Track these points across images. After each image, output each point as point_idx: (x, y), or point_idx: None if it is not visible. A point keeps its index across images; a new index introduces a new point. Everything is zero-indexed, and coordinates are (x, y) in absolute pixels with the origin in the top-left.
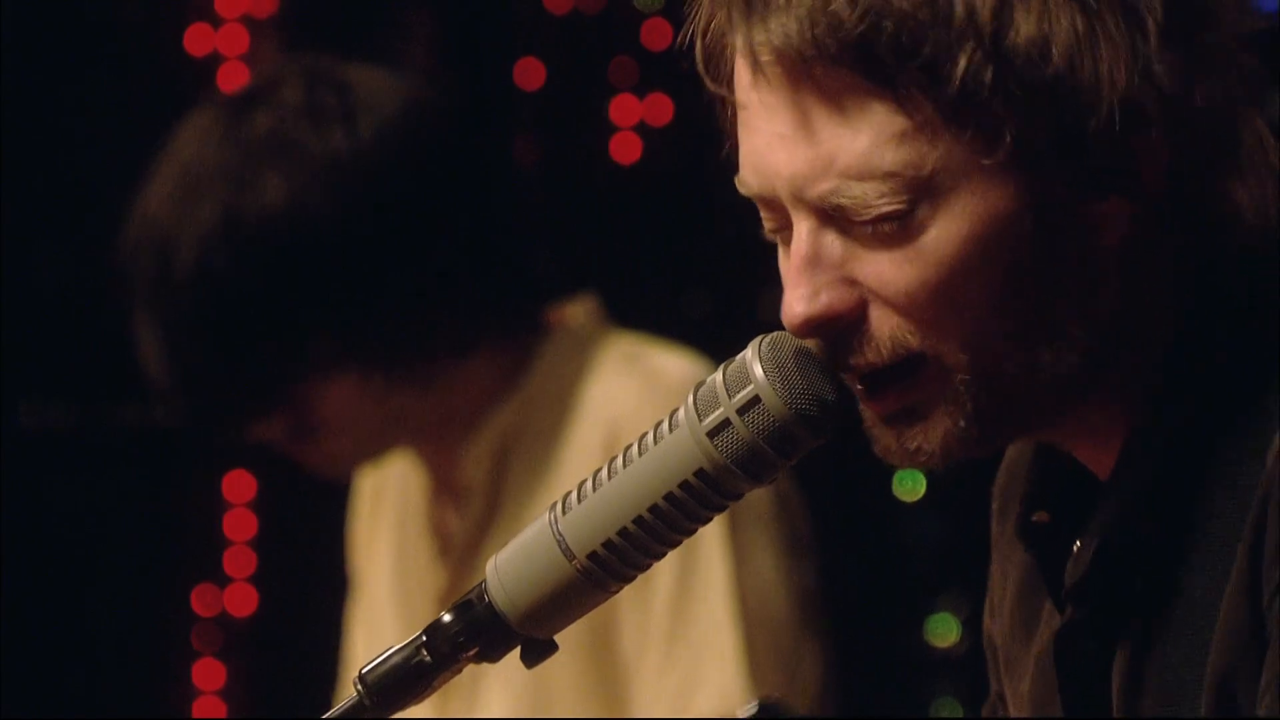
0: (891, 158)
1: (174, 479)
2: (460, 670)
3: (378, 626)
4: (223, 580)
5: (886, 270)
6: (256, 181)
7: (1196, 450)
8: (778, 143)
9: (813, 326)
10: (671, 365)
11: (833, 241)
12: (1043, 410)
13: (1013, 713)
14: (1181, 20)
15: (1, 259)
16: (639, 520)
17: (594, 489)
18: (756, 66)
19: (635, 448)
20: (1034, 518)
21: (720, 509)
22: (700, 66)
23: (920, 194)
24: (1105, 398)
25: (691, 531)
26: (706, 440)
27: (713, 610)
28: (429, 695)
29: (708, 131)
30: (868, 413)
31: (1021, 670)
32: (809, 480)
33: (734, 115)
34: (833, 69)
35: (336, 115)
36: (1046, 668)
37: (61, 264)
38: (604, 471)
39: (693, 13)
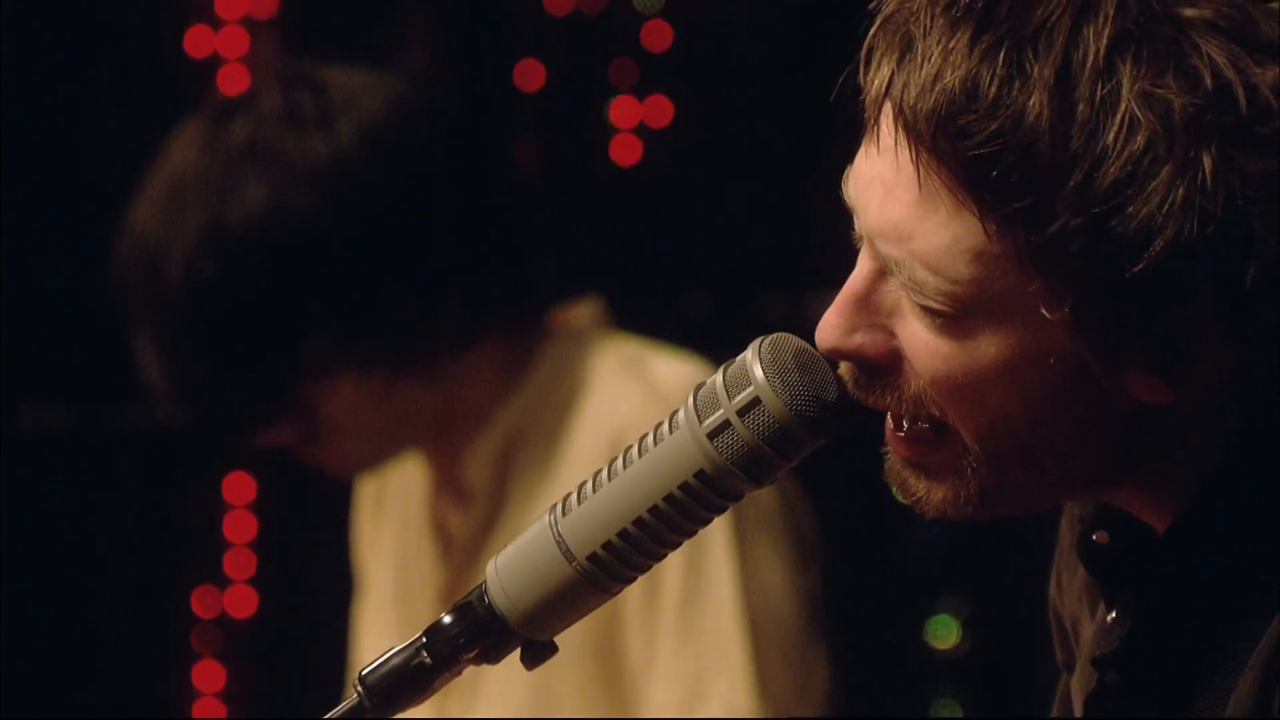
0: (962, 269)
1: (174, 481)
2: (460, 672)
3: (381, 627)
4: (223, 582)
5: (922, 350)
6: (239, 189)
7: (1244, 542)
8: (879, 184)
9: (839, 357)
10: (674, 370)
11: (889, 292)
12: (1050, 500)
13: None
14: None
15: (2, 260)
16: (639, 522)
17: (594, 490)
18: (876, 112)
19: (635, 449)
20: (1094, 536)
21: (720, 510)
22: (862, 49)
23: (974, 309)
24: (1150, 481)
25: (692, 533)
26: (707, 441)
27: (719, 616)
28: (429, 697)
29: (707, 133)
30: (889, 443)
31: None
32: (809, 482)
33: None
34: (943, 165)
35: (314, 118)
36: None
37: (62, 265)
38: (604, 473)
39: (880, 9)
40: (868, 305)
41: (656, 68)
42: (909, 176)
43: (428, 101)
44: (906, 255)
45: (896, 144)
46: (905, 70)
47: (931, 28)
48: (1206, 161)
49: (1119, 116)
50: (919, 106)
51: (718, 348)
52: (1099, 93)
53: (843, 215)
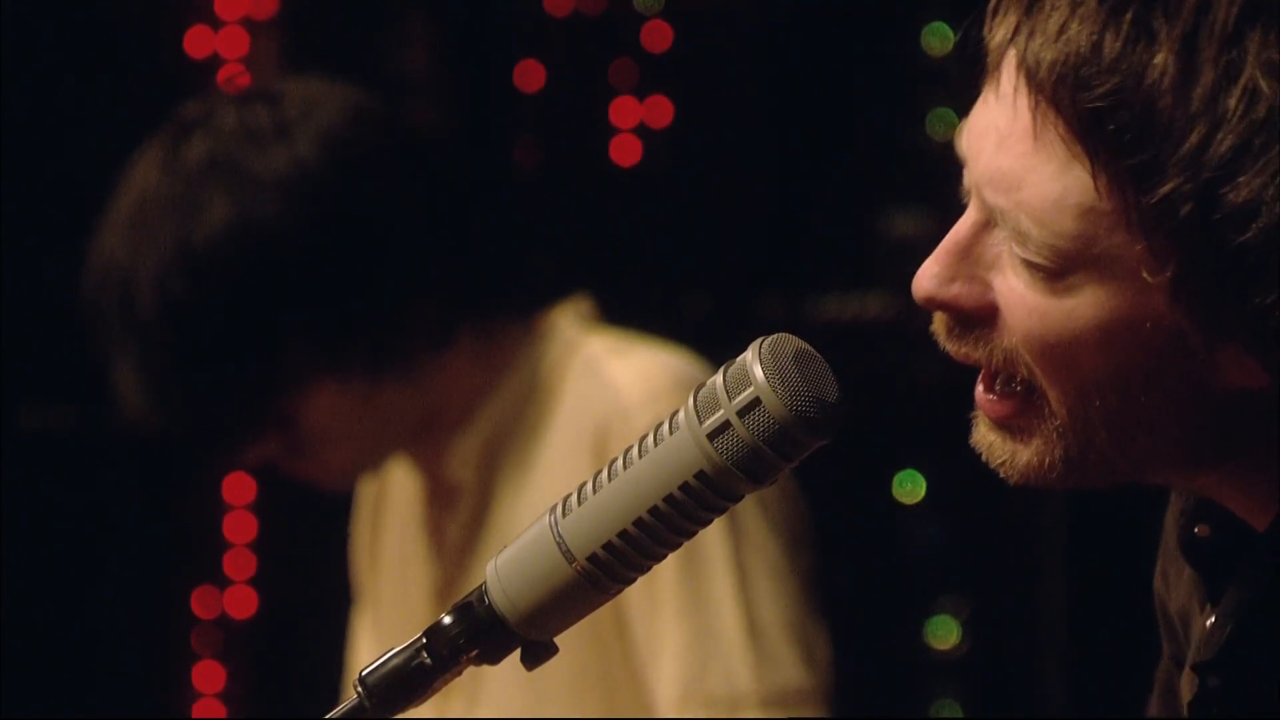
0: (1069, 224)
1: (174, 481)
2: (461, 672)
3: (380, 630)
4: (223, 582)
5: (1019, 305)
6: (201, 207)
7: None
8: (992, 133)
9: (933, 306)
10: (656, 361)
11: (991, 244)
12: (1135, 474)
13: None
14: None
15: (2, 261)
16: (639, 522)
17: (594, 491)
18: (998, 61)
19: (635, 449)
20: (1196, 530)
21: (720, 511)
22: (990, 4)
23: (1077, 265)
24: (1245, 471)
25: (692, 533)
26: (706, 442)
27: (717, 590)
28: (429, 697)
29: (707, 134)
30: (979, 401)
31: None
32: (809, 482)
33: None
34: (1061, 115)
35: (271, 130)
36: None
37: (62, 266)
38: (604, 473)
39: None
40: (969, 256)
41: (656, 68)
42: (1025, 126)
43: (387, 108)
44: (1014, 205)
45: (1016, 92)
46: (1032, 20)
47: None
48: None
49: (1241, 84)
50: (1043, 55)
51: (717, 348)
52: (1224, 58)
53: (942, 175)
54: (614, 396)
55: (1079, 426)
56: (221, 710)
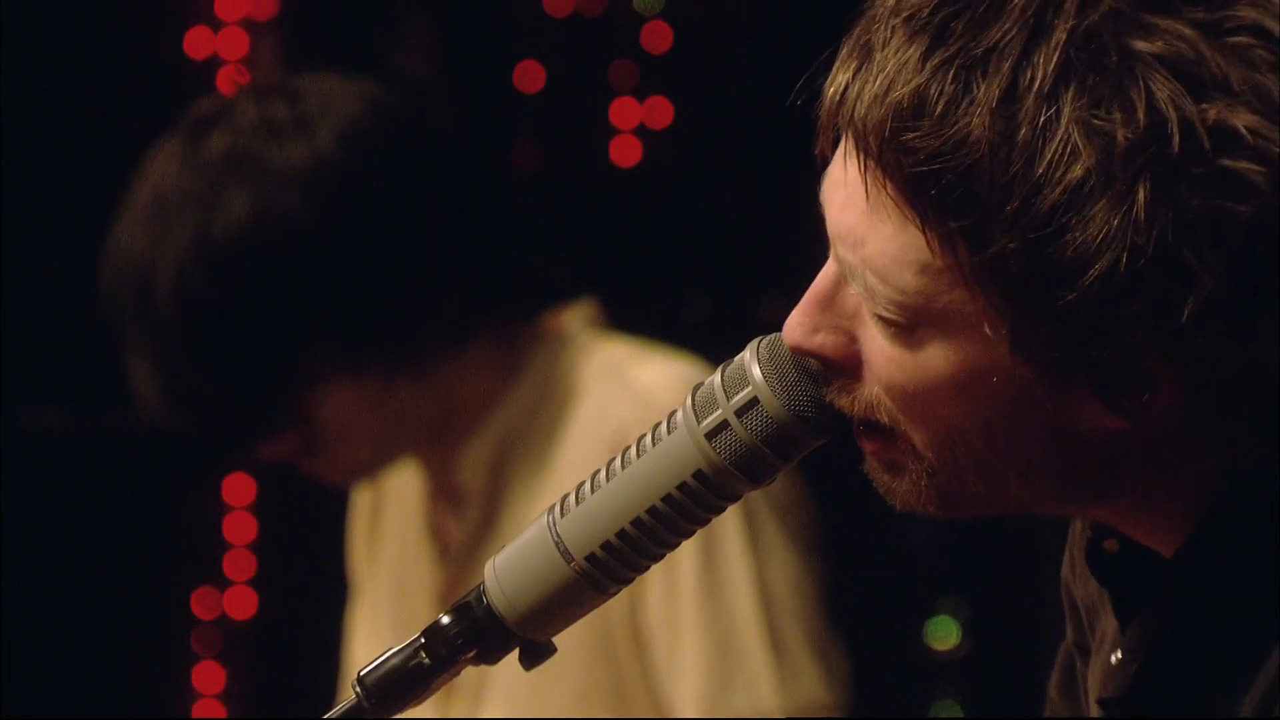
0: (909, 280)
1: (174, 482)
2: (459, 672)
3: (378, 631)
4: (223, 583)
5: (878, 355)
6: (222, 201)
7: (1251, 574)
8: (840, 188)
9: (801, 354)
10: (669, 370)
11: (851, 295)
12: (1018, 509)
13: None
14: (1231, 294)
15: (2, 261)
16: (637, 522)
17: (592, 491)
18: (832, 118)
19: (634, 450)
20: (1105, 544)
21: (718, 511)
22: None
23: (923, 319)
24: (1131, 508)
25: (690, 534)
26: (705, 442)
27: (738, 605)
28: (428, 697)
29: (707, 135)
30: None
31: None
32: (810, 483)
33: None
34: (889, 178)
35: (291, 125)
36: None
37: (62, 266)
38: (602, 474)
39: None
40: (831, 306)
41: (656, 69)
42: (860, 185)
43: (404, 104)
44: (860, 261)
45: (853, 152)
46: (860, 80)
47: (890, 38)
48: (1141, 195)
49: (1058, 143)
50: (869, 118)
51: (717, 348)
52: (1040, 118)
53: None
54: (636, 404)
55: (948, 469)
56: (221, 711)
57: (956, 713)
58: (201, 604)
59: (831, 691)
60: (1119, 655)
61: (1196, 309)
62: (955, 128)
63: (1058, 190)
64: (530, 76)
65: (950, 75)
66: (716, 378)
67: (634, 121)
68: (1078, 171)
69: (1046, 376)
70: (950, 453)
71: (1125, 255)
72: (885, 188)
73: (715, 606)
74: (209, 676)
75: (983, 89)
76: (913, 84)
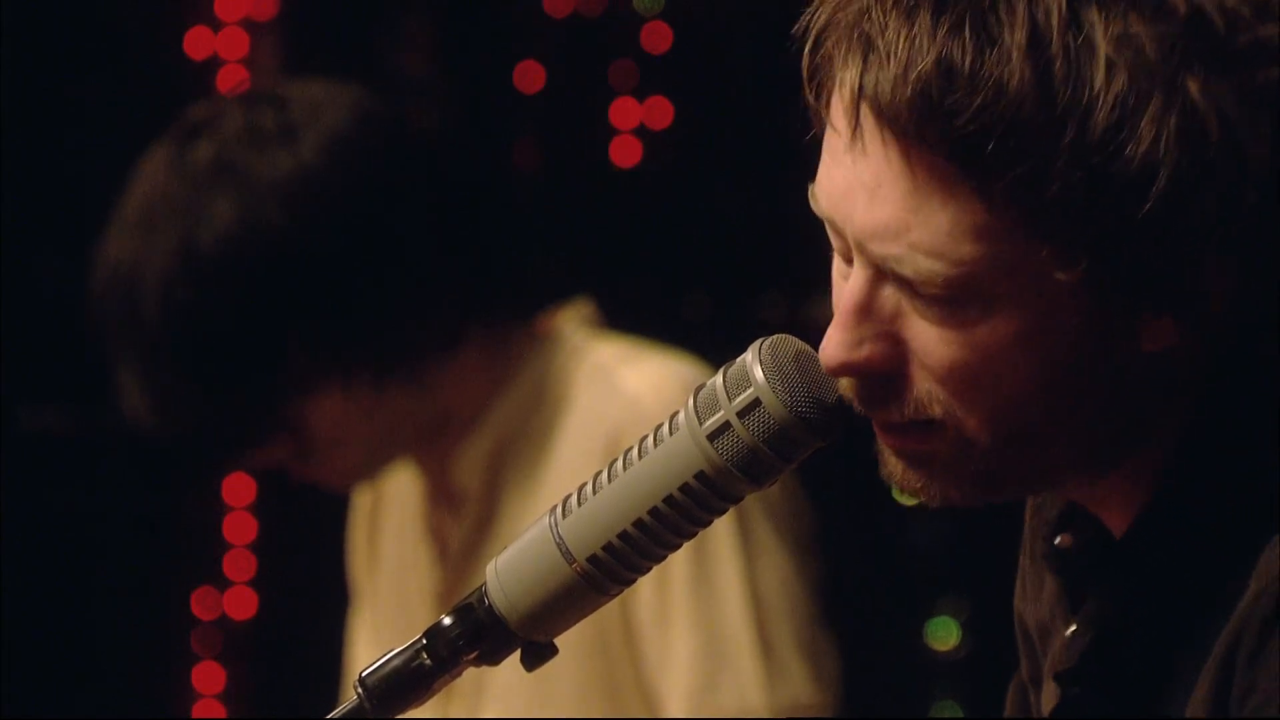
0: (968, 250)
1: (174, 482)
2: (460, 673)
3: (378, 633)
4: (223, 583)
5: (932, 343)
6: (208, 210)
7: (1199, 547)
8: (858, 189)
9: (847, 372)
10: (666, 369)
11: (888, 296)
12: (1044, 484)
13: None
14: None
15: (2, 262)
16: (639, 523)
17: (594, 492)
18: (854, 115)
19: (635, 450)
20: (1058, 541)
21: (720, 512)
22: (804, 68)
23: (983, 287)
24: (1121, 475)
25: (692, 535)
26: (707, 443)
27: (727, 604)
28: (429, 698)
29: (707, 135)
30: (880, 440)
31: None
32: (810, 483)
33: (821, 128)
34: (930, 150)
35: (277, 133)
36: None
37: (62, 266)
38: (604, 474)
39: (810, 15)
40: (870, 314)
41: (656, 69)
42: (896, 172)
43: (392, 109)
44: (906, 249)
45: (877, 141)
46: (874, 69)
47: (888, 23)
48: (1192, 86)
49: (1097, 63)
50: (897, 99)
51: (717, 349)
52: (1072, 45)
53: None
54: (628, 404)
55: (999, 447)
56: (221, 711)
57: (956, 713)
58: (201, 604)
59: (820, 692)
60: (1074, 628)
61: (1256, 190)
62: (991, 79)
63: (1108, 108)
64: (530, 77)
65: (968, 33)
66: (718, 379)
67: (634, 122)
68: (1121, 84)
69: (1120, 303)
70: (1006, 428)
71: (1190, 149)
72: (929, 162)
73: (705, 605)
74: (209, 677)
75: (1006, 35)
76: (933, 53)
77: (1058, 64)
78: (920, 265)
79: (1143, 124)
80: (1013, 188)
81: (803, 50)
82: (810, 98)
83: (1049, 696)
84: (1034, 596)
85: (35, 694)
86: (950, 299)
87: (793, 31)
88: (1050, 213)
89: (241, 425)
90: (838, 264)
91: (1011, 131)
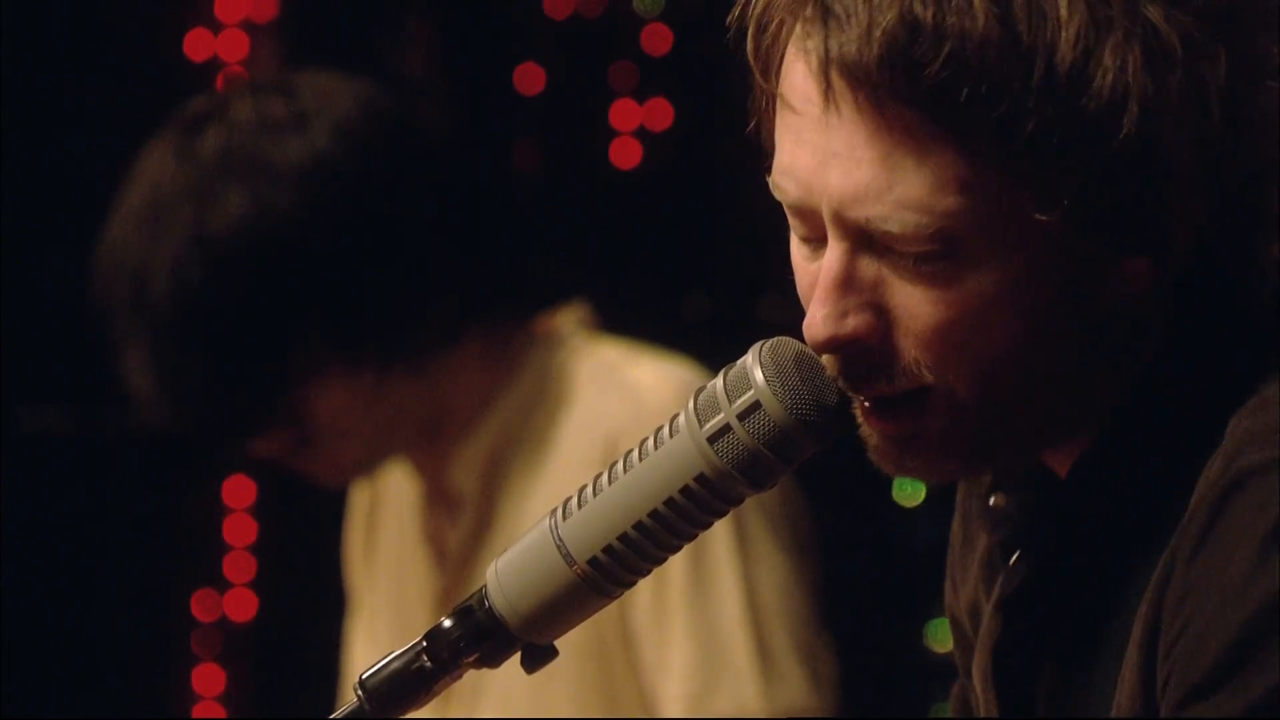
0: (951, 202)
1: (174, 483)
2: (461, 675)
3: (376, 636)
4: (222, 585)
5: (918, 304)
6: (218, 197)
7: (1141, 480)
8: (831, 160)
9: (835, 346)
10: (663, 373)
11: (867, 265)
12: (1036, 442)
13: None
14: (1238, 86)
15: (2, 262)
16: (639, 525)
17: (594, 494)
18: (824, 82)
19: (636, 453)
20: (991, 501)
21: (721, 514)
22: (750, 56)
23: (968, 239)
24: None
25: (692, 536)
26: (707, 445)
27: (725, 608)
28: (429, 701)
29: (707, 136)
30: (867, 425)
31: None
32: (810, 485)
33: (772, 108)
34: (904, 106)
35: (287, 121)
36: (986, 668)
37: (62, 266)
38: (604, 477)
39: (745, 3)
40: (851, 285)
41: (656, 71)
42: (871, 132)
43: (399, 103)
44: (890, 208)
45: (847, 106)
46: (836, 33)
47: None
48: (1153, 13)
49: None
50: (866, 58)
51: (717, 349)
52: None
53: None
54: (628, 406)
55: (990, 407)
56: (221, 713)
57: None
58: (201, 606)
59: (817, 695)
60: (1015, 557)
61: (1220, 113)
62: (955, 27)
63: (1071, 42)
64: (530, 78)
65: None
66: (719, 381)
67: (634, 123)
68: (1082, 16)
69: (1103, 239)
70: (996, 387)
71: (1157, 73)
72: (903, 117)
73: (702, 608)
74: (209, 678)
75: None
76: (894, 8)
77: (1018, 3)
78: (906, 220)
79: (1106, 54)
80: (988, 133)
81: (746, 38)
82: (761, 80)
83: (988, 633)
84: (962, 580)
85: (35, 694)
86: (933, 255)
87: (727, 22)
88: (1027, 154)
89: (245, 412)
90: (800, 250)
91: (981, 76)
